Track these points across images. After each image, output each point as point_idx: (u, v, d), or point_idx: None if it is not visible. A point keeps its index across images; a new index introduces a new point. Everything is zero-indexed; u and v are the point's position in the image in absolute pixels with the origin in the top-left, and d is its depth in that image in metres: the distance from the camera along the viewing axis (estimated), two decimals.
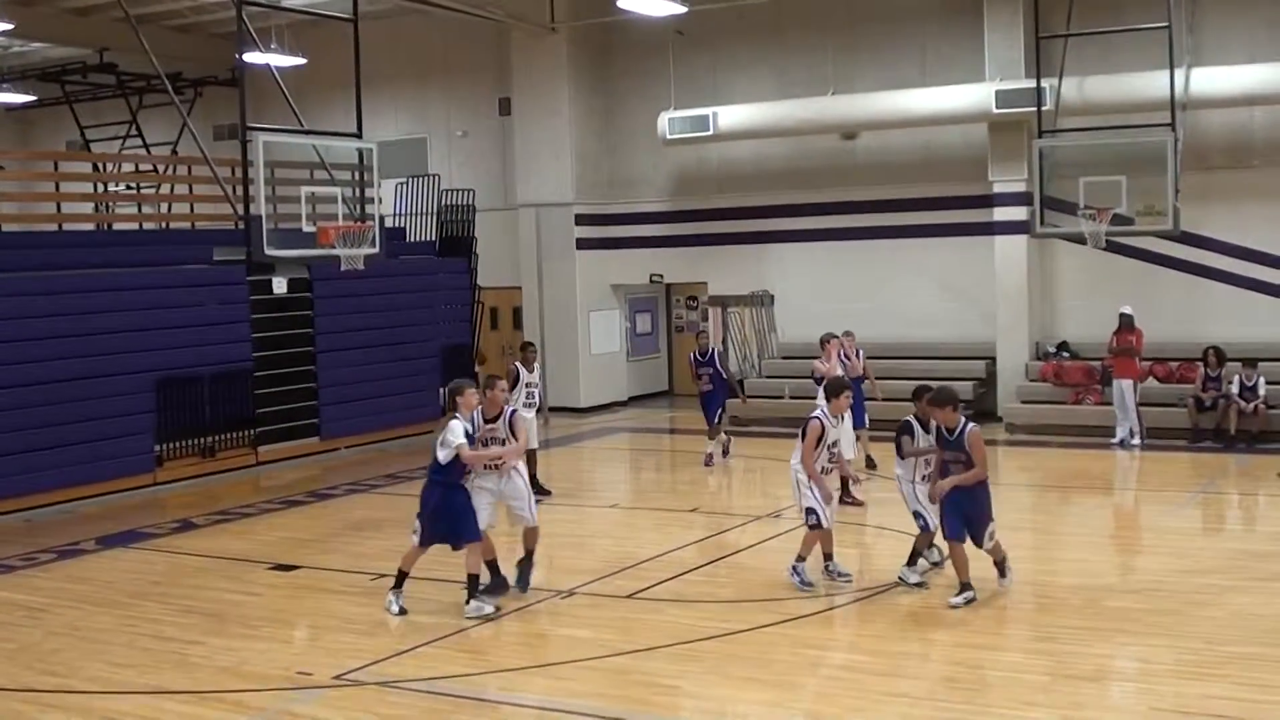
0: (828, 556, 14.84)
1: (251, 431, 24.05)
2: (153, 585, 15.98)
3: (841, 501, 18.31)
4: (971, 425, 13.49)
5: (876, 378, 22.33)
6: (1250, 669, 11.46)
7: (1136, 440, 23.57)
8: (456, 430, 13.96)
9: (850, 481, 18.06)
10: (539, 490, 20.19)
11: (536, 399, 20.71)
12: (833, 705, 11.13)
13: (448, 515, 14.07)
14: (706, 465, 22.59)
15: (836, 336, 20.84)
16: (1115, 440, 23.70)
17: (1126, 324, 23.84)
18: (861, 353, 21.65)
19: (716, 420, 22.78)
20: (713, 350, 23.37)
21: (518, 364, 20.51)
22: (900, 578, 14.40)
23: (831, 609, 13.95)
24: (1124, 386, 23.74)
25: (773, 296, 29.33)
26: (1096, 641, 12.42)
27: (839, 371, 19.54)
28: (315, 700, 11.59)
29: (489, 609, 13.93)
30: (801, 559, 14.69)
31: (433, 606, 14.60)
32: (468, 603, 13.92)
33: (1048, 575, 15.69)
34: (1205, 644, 12.20)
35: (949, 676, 11.54)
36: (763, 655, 12.46)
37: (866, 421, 21.02)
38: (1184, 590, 14.21)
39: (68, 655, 13.00)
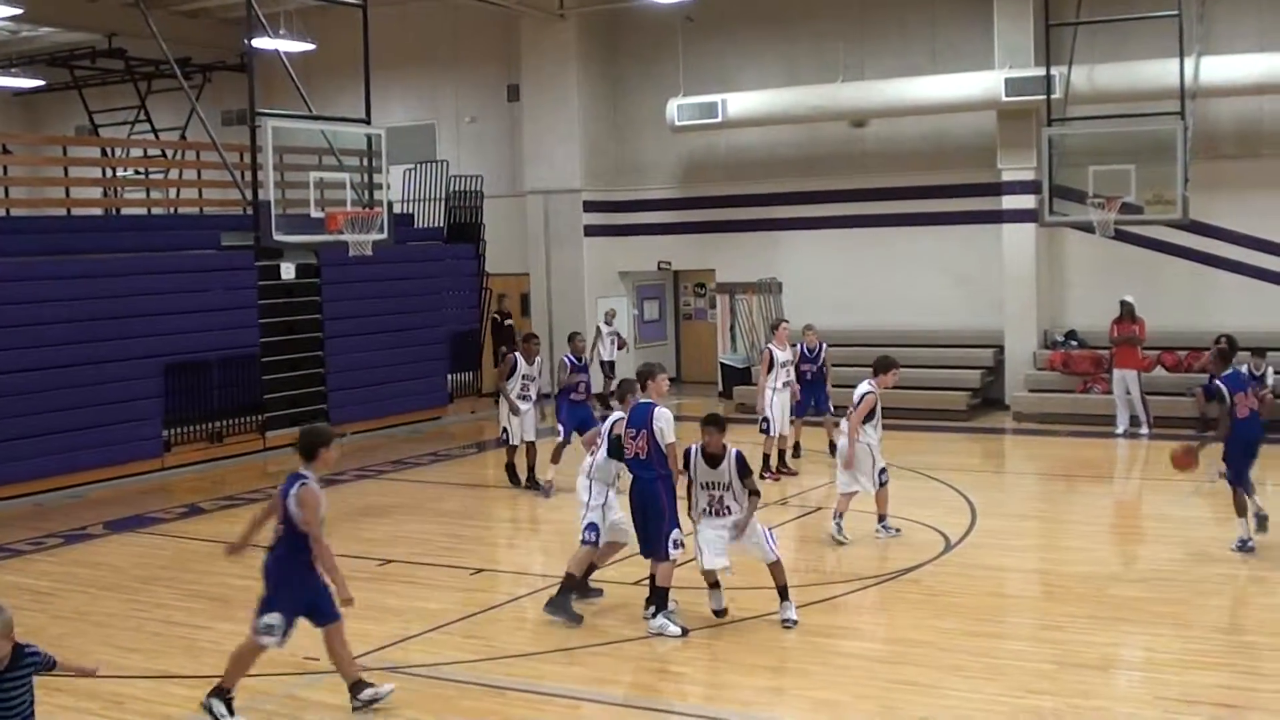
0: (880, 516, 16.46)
1: (259, 417, 24.08)
2: (160, 570, 16.01)
3: (779, 471, 20.48)
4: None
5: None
6: (1256, 658, 11.48)
7: (1145, 430, 23.53)
8: (670, 421, 12.84)
9: (786, 454, 20.87)
10: (531, 484, 20.07)
11: (533, 392, 20.17)
12: (840, 693, 11.13)
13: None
14: (547, 494, 19.85)
15: (786, 321, 21.67)
16: (1118, 431, 23.66)
17: (1128, 313, 23.78)
18: (824, 345, 21.75)
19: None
20: (587, 359, 21.72)
21: (517, 355, 20.21)
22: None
23: (839, 596, 13.95)
24: (1126, 377, 23.68)
25: (781, 284, 29.30)
26: (1103, 630, 12.42)
27: (788, 356, 20.77)
28: (321, 685, 11.60)
29: (674, 629, 12.64)
30: (882, 517, 16.34)
31: (438, 592, 14.63)
32: (654, 616, 12.86)
33: (1055, 564, 15.70)
34: (1211, 633, 12.23)
35: (956, 664, 11.53)
36: (770, 642, 12.47)
37: (831, 408, 21.28)
38: (1190, 580, 14.20)
39: (74, 639, 13.02)
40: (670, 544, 12.75)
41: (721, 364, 29.72)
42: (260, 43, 21.63)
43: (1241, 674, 11.11)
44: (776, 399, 20.36)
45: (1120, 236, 24.77)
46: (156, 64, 30.45)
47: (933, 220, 27.66)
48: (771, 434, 20.42)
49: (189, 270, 23.17)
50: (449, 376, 28.05)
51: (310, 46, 26.66)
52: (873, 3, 28.23)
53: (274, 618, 10.71)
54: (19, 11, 25.89)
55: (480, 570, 15.74)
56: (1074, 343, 25.99)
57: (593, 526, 13.41)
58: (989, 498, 18.89)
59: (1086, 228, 24.39)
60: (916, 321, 27.68)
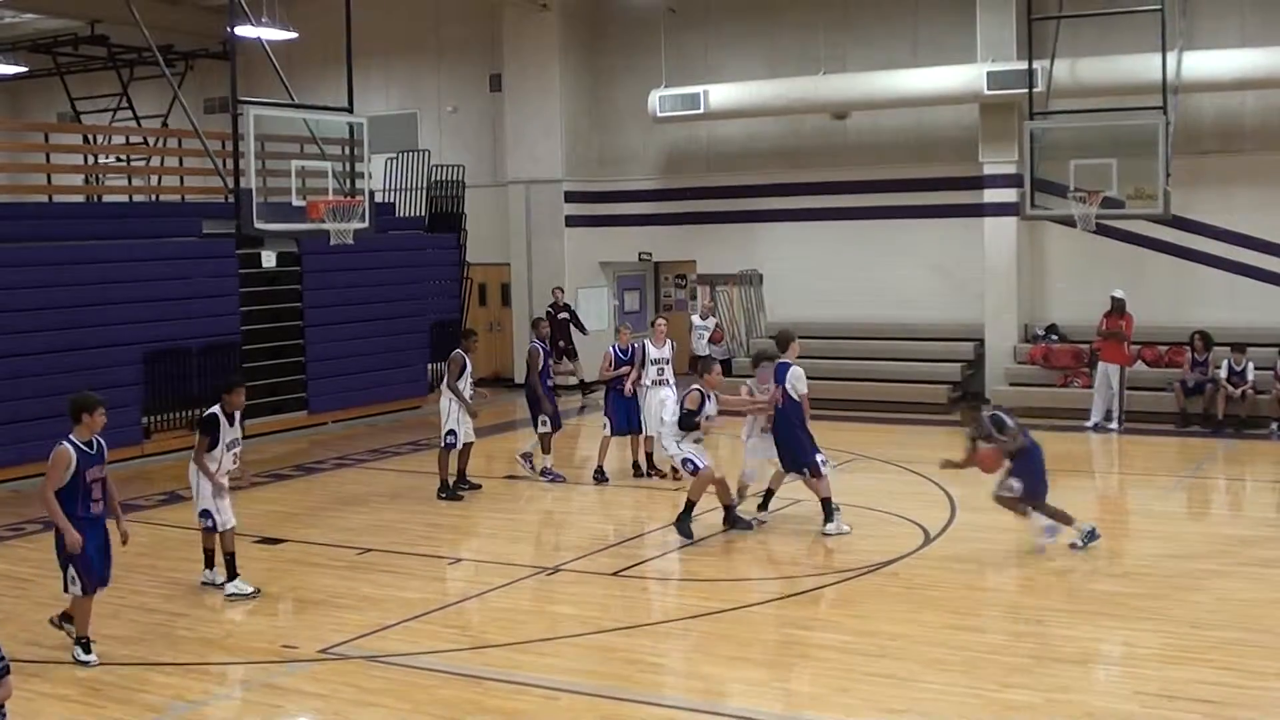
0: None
1: None
2: (139, 557, 15.94)
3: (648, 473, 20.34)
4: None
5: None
6: (1235, 654, 11.48)
7: (1114, 425, 23.55)
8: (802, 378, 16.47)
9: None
10: (466, 485, 19.81)
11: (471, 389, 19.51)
12: (817, 685, 11.15)
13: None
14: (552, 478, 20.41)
15: (664, 318, 21.61)
16: (1089, 424, 23.69)
17: (1117, 308, 23.85)
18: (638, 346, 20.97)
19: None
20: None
21: (464, 353, 19.41)
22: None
23: (818, 589, 13.97)
24: (1110, 371, 23.73)
25: (762, 276, 29.31)
26: (1082, 625, 12.45)
27: (663, 354, 20.26)
28: (300, 673, 11.60)
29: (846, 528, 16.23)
30: (691, 504, 16.33)
31: (417, 581, 14.63)
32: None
33: (1034, 558, 15.71)
34: (1190, 629, 12.24)
35: (934, 658, 11.54)
36: (748, 634, 12.49)
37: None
38: (1170, 575, 14.25)
39: (54, 627, 12.99)
40: (821, 463, 16.23)
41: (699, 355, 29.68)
42: (243, 31, 21.58)
43: (1221, 670, 11.12)
44: (650, 396, 19.91)
45: (1101, 231, 24.80)
46: (139, 51, 30.43)
47: (914, 213, 27.67)
48: (644, 432, 20.17)
49: (170, 258, 23.11)
50: (429, 366, 27.99)
51: (293, 35, 26.56)
52: None
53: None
54: None
55: (459, 560, 15.76)
56: (1055, 337, 26.02)
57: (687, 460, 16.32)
58: (968, 491, 18.82)
59: (1068, 222, 24.38)
60: (897, 314, 27.68)
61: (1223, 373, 23.19)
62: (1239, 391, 23.02)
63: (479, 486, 19.58)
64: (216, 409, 14.63)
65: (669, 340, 20.46)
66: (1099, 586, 13.80)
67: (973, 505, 17.87)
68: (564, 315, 28.79)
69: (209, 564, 14.59)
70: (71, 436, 11.98)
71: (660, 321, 21.00)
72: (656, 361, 20.15)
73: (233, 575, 14.26)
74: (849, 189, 28.30)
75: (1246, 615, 12.65)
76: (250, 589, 14.17)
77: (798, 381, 16.31)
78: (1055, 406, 24.71)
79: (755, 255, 29.44)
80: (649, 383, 20.04)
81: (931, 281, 27.52)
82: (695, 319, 28.92)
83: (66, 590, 12.06)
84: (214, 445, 14.35)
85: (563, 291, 29.46)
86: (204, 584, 14.54)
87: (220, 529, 14.22)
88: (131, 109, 32.14)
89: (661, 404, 19.35)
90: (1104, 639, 12.21)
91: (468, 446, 19.41)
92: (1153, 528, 16.75)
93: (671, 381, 20.09)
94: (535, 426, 20.11)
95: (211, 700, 11.11)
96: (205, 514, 14.26)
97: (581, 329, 29.48)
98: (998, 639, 12.41)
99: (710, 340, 28.49)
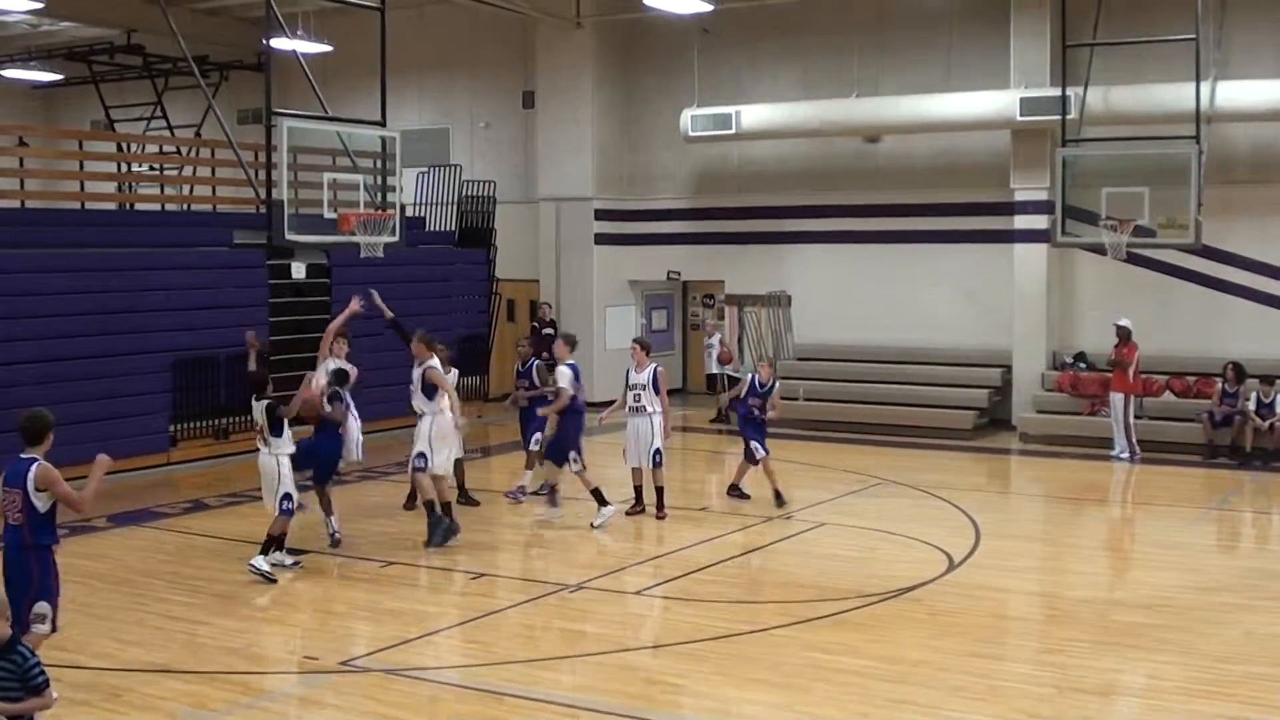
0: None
1: None
2: (163, 565, 16.02)
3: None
4: None
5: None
6: (1260, 689, 11.42)
7: (1126, 455, 23.37)
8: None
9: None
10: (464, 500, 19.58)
11: None
12: (839, 710, 11.10)
13: None
14: (515, 498, 19.92)
15: (639, 343, 19.54)
16: (1114, 453, 23.61)
17: (1123, 337, 23.73)
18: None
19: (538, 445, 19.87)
20: (533, 362, 20.63)
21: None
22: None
23: (840, 613, 13.92)
24: (1115, 400, 23.61)
25: (790, 297, 29.29)
26: (1105, 656, 12.39)
27: (639, 378, 18.65)
28: (321, 685, 11.62)
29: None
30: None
31: (438, 595, 14.64)
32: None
33: (1058, 587, 15.69)
34: (1215, 662, 12.16)
35: (957, 685, 11.50)
36: (769, 657, 12.44)
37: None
38: (1195, 607, 14.17)
39: (76, 631, 12.97)
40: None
41: (729, 376, 29.57)
42: (278, 43, 21.67)
43: (1245, 704, 11.05)
44: (629, 424, 18.81)
45: (1132, 259, 24.70)
46: (174, 61, 30.58)
47: (944, 238, 27.64)
48: (628, 462, 19.02)
49: (200, 267, 23.21)
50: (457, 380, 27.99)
51: (327, 48, 26.72)
52: (889, 18, 28.24)
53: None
54: (40, 6, 25.98)
55: (481, 575, 15.74)
56: (1083, 365, 25.90)
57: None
58: (993, 518, 18.85)
59: (1098, 249, 24.33)
60: (925, 339, 27.65)
61: (1251, 405, 23.07)
62: (1267, 424, 22.89)
63: (478, 503, 19.54)
64: (269, 401, 16.00)
65: (652, 366, 18.77)
66: (1123, 617, 13.73)
67: (997, 532, 17.86)
68: (548, 330, 28.73)
69: (273, 548, 15.51)
70: (39, 457, 11.00)
71: (634, 345, 19.39)
72: (633, 387, 18.66)
73: (265, 551, 15.35)
74: (879, 212, 28.29)
75: (1272, 650, 12.58)
76: (269, 568, 15.23)
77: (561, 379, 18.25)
78: (1083, 435, 24.62)
79: (784, 276, 29.43)
80: (625, 410, 18.84)
81: (960, 307, 27.47)
82: (705, 340, 28.86)
83: (50, 628, 10.52)
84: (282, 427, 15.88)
85: (550, 307, 29.56)
86: (284, 565, 15.62)
87: (299, 508, 15.84)
88: (165, 118, 32.30)
89: (638, 435, 18.61)
90: (1127, 670, 12.16)
91: (459, 461, 19.24)
92: (1178, 559, 16.65)
93: (650, 410, 18.53)
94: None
95: (232, 710, 11.11)
96: (287, 497, 15.50)
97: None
98: (1020, 668, 12.38)
99: (719, 360, 28.36)
